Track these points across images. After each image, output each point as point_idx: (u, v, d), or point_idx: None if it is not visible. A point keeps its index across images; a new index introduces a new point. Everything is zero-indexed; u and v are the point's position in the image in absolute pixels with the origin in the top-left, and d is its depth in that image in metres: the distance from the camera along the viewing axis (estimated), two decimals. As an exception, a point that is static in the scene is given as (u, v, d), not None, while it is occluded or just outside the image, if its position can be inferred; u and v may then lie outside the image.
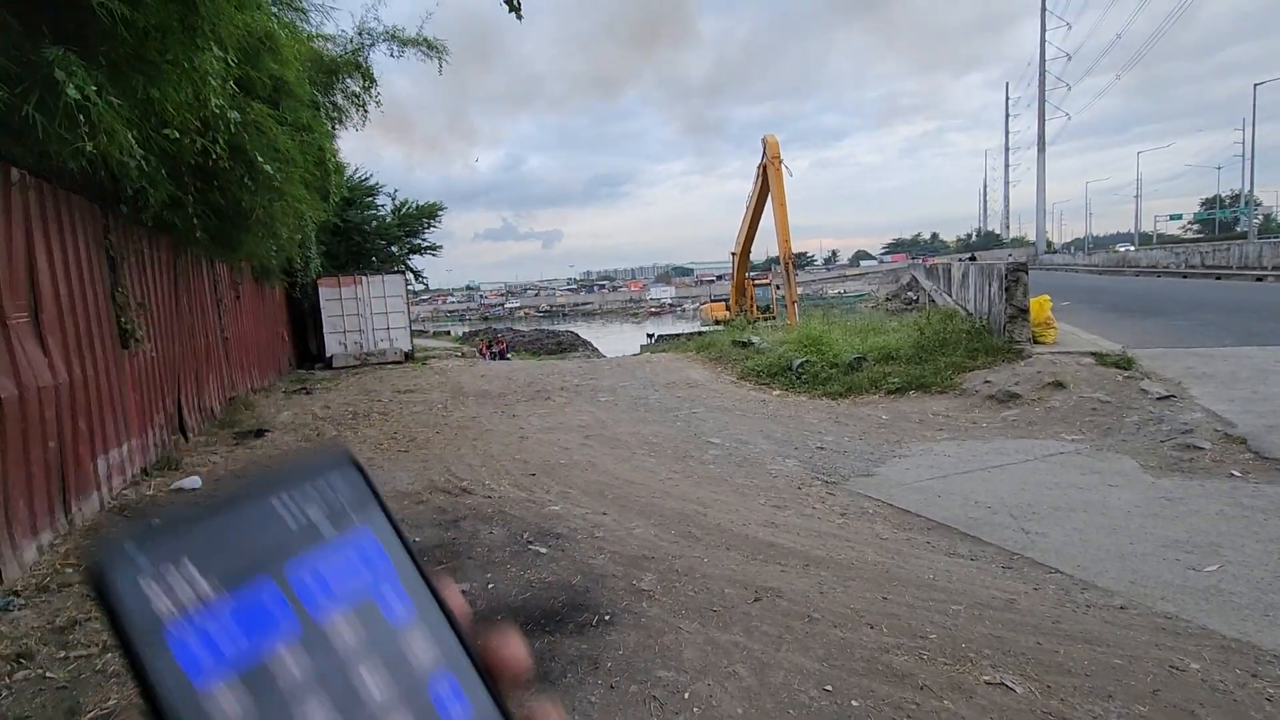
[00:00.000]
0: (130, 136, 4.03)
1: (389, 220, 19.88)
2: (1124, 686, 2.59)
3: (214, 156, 5.48)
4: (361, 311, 15.81)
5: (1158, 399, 6.70)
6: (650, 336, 31.86)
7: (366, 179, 19.63)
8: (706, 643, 2.94)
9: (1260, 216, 57.49)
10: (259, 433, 8.13)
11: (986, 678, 2.66)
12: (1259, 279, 22.00)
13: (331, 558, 0.26)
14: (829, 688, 2.62)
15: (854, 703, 2.53)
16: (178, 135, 4.80)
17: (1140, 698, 2.51)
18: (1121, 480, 5.13)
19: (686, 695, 2.60)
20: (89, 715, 2.62)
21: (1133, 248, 56.98)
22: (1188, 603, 3.33)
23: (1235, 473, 5.00)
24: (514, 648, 0.30)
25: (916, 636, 2.97)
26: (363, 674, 0.25)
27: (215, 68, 4.62)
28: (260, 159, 6.47)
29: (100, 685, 2.83)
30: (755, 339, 13.57)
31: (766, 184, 22.70)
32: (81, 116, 3.59)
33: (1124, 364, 7.87)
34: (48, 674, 2.90)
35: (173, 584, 0.22)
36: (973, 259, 15.98)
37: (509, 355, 24.97)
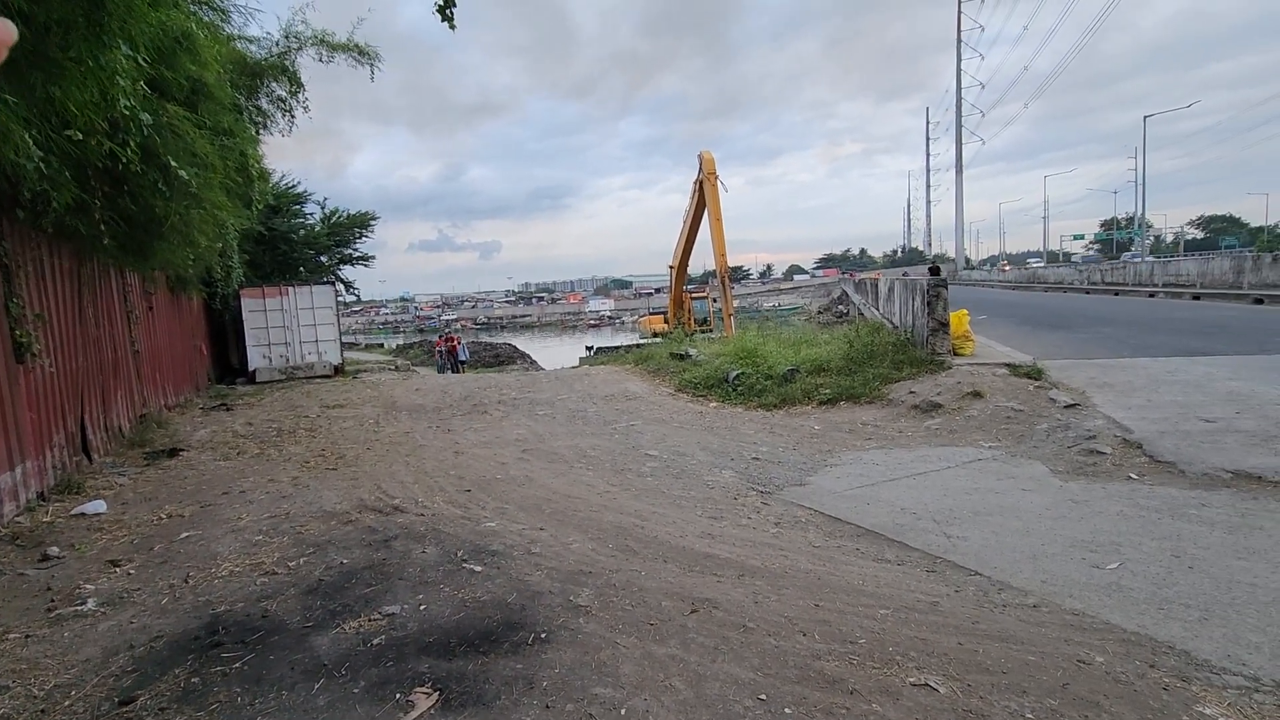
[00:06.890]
0: (27, 136, 3.76)
1: (318, 229, 19.21)
2: (1037, 682, 2.73)
3: (124, 160, 5.18)
4: (288, 324, 15.17)
5: (1065, 407, 7.15)
6: (589, 349, 31.81)
7: (294, 186, 18.94)
8: (644, 657, 2.94)
9: (1151, 238, 63.16)
10: (173, 452, 7.66)
11: (912, 679, 2.76)
12: (1151, 295, 23.89)
13: None
14: (763, 696, 2.66)
15: (787, 710, 2.57)
16: (80, 136, 4.51)
17: (1051, 691, 2.66)
18: (1033, 484, 5.44)
19: (623, 711, 2.59)
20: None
21: (1043, 263, 61.29)
22: (1093, 599, 3.55)
23: (1133, 475, 5.38)
24: None
25: (847, 642, 3.06)
26: None
27: (125, 67, 4.36)
28: (175, 164, 6.14)
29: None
30: (693, 351, 13.74)
31: (703, 199, 23.13)
32: (-29, 115, 3.34)
33: (1035, 374, 8.38)
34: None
35: None
36: (905, 275, 16.87)
37: (464, 363, 23.70)
